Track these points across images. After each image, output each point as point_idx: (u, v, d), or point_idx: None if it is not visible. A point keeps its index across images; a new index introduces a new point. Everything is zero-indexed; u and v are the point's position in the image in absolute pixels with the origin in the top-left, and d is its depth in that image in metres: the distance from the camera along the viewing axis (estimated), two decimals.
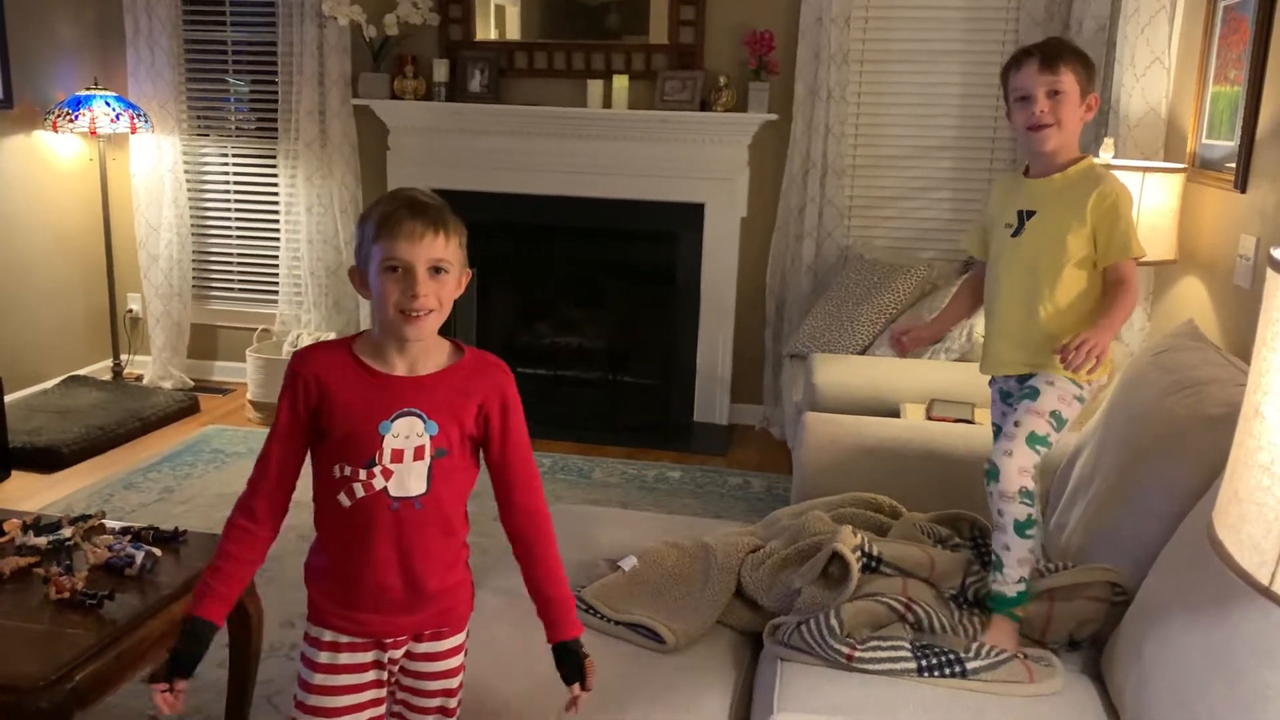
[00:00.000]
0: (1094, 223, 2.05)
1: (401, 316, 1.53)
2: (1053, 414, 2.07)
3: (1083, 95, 2.08)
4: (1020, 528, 2.02)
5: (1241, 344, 2.65)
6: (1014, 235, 2.14)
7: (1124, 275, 2.06)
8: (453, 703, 1.72)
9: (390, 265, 1.53)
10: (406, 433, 1.56)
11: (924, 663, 1.85)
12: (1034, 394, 2.09)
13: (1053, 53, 2.06)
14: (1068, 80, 2.05)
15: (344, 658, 1.64)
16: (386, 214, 1.54)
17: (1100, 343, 1.94)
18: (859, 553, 2.08)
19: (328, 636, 1.64)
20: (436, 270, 1.54)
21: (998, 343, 2.21)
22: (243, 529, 1.61)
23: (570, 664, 1.68)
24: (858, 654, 1.86)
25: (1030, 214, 2.12)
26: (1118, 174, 2.94)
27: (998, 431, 2.20)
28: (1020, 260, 2.14)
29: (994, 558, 2.05)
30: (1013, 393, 2.19)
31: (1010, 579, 2.02)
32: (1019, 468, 2.03)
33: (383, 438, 1.56)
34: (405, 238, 1.51)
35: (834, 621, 1.91)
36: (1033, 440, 2.05)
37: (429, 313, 1.54)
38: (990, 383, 2.31)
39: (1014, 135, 4.42)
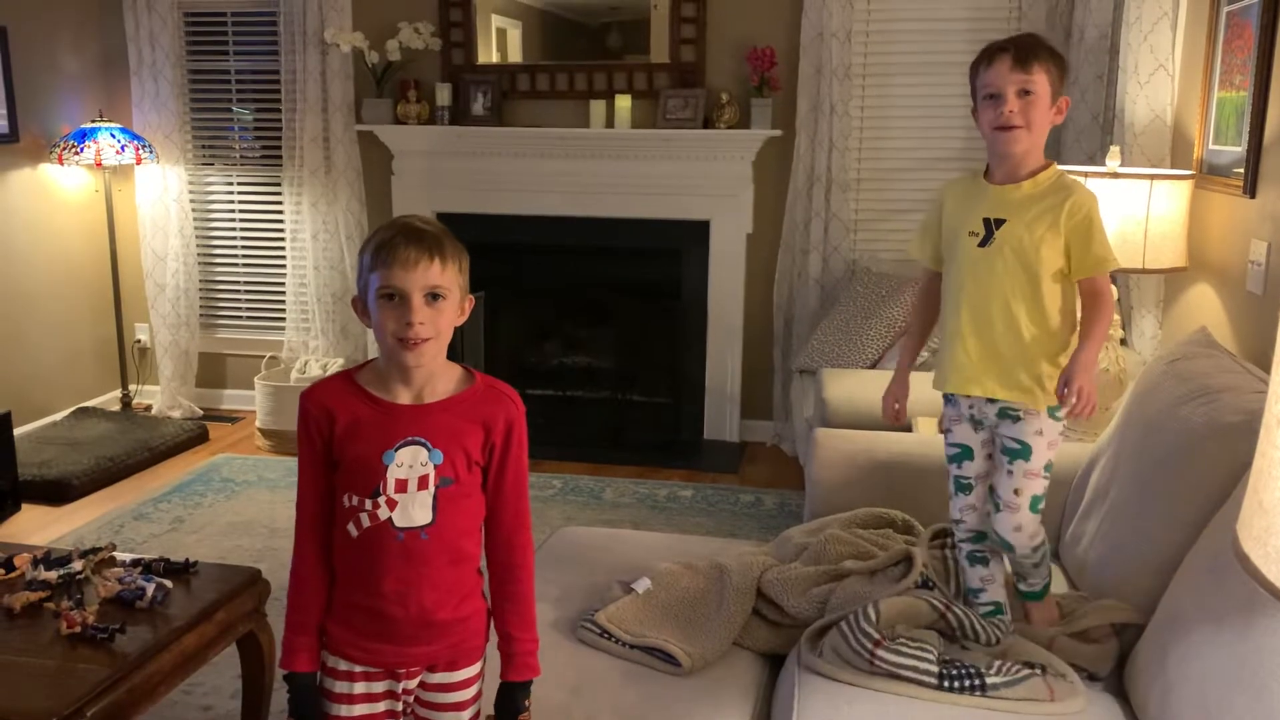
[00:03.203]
0: (1067, 234, 1.95)
1: (399, 344, 1.53)
2: (1046, 466, 2.04)
3: (1054, 97, 1.96)
4: (1036, 565, 2.10)
5: (1256, 350, 2.63)
6: (982, 245, 2.00)
7: (1099, 288, 1.99)
8: None
9: (386, 293, 1.52)
10: (410, 462, 1.55)
11: (945, 671, 1.83)
12: (1026, 453, 2.02)
13: (1026, 50, 1.94)
14: (1040, 80, 1.93)
15: (359, 687, 1.63)
16: (382, 242, 1.53)
17: (1089, 385, 1.92)
18: (923, 570, 2.18)
19: (343, 666, 1.63)
20: (433, 297, 1.53)
21: (965, 360, 2.04)
22: (299, 576, 1.65)
23: (508, 708, 1.67)
24: (884, 645, 1.85)
25: (999, 222, 1.98)
26: (1125, 183, 2.94)
27: (963, 454, 2.13)
28: (992, 272, 1.99)
29: (1016, 575, 2.15)
30: (985, 420, 2.08)
31: (1036, 584, 2.12)
32: (1029, 534, 2.05)
33: (386, 467, 1.55)
34: (400, 265, 1.51)
35: (871, 611, 1.92)
36: (1035, 504, 2.04)
37: (426, 340, 1.53)
38: (949, 401, 2.14)
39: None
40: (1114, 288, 2.13)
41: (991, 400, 2.03)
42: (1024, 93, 1.93)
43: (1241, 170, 2.79)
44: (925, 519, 2.43)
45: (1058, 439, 2.04)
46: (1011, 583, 2.19)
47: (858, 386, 3.41)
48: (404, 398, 1.59)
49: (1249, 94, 2.77)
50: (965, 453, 2.13)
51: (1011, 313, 1.98)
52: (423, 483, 1.56)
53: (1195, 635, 1.68)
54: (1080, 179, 2.40)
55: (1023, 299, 1.98)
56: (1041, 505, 2.05)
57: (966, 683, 1.82)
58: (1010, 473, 2.04)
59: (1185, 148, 3.31)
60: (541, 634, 2.00)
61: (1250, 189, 2.74)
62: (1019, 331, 1.98)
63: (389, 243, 1.52)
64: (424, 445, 1.56)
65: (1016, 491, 2.02)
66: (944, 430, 2.17)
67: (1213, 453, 1.94)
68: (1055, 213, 1.95)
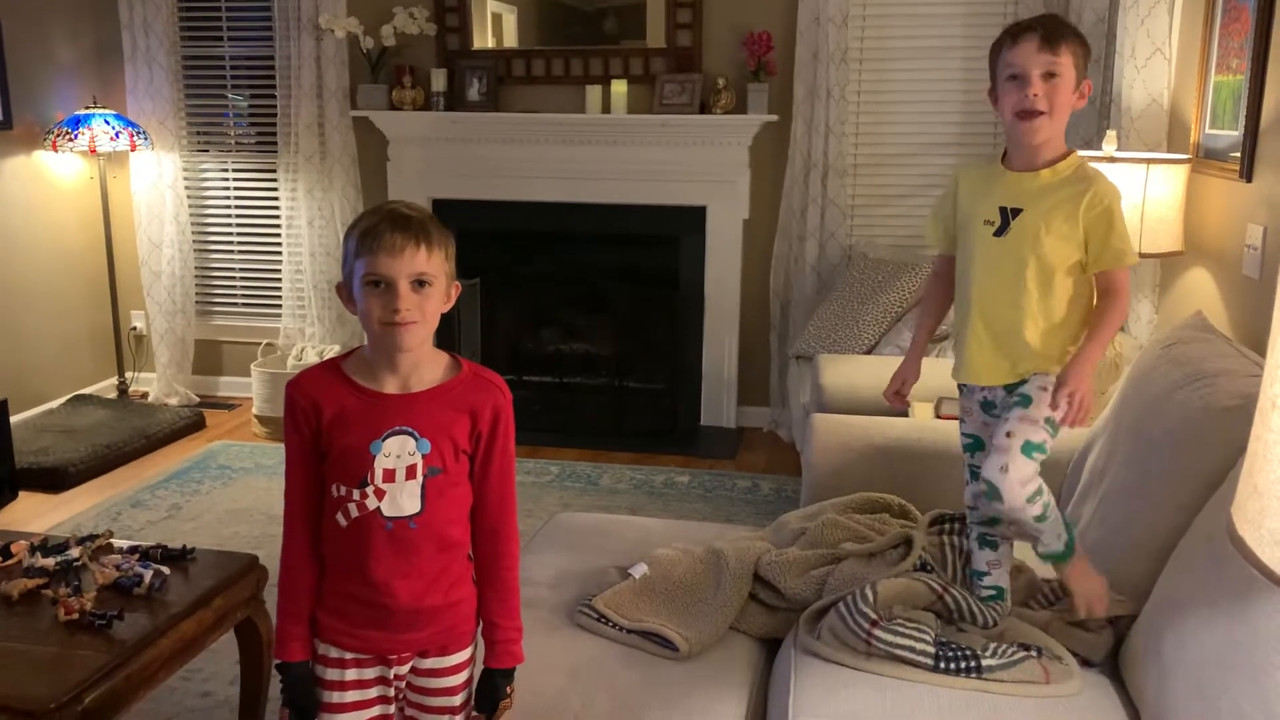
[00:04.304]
0: (1086, 227, 1.88)
1: (385, 328, 1.53)
2: (1048, 420, 1.91)
3: (1078, 81, 1.88)
4: (1040, 519, 1.93)
5: (1252, 335, 2.63)
6: (997, 234, 1.94)
7: (1116, 284, 1.91)
8: (458, 718, 1.70)
9: (372, 280, 1.52)
10: (398, 451, 1.55)
11: (941, 653, 1.83)
12: (1026, 401, 1.93)
13: (1054, 30, 1.85)
14: (1066, 63, 1.85)
15: (350, 674, 1.64)
16: (368, 229, 1.52)
17: (1086, 389, 1.84)
18: (921, 553, 2.16)
19: (334, 653, 1.64)
20: (420, 284, 1.53)
21: (978, 350, 2.00)
22: (289, 566, 1.64)
23: (489, 695, 1.67)
24: (881, 626, 1.86)
25: (1016, 211, 1.92)
26: (1121, 167, 2.94)
27: (975, 444, 2.09)
28: (1006, 262, 1.93)
29: (1034, 544, 2.01)
30: (997, 402, 2.02)
31: (1052, 545, 1.96)
32: (1019, 480, 1.88)
33: (374, 457, 1.55)
34: (386, 252, 1.50)
35: (869, 592, 1.92)
36: (1029, 449, 1.89)
37: (412, 324, 1.53)
38: (962, 389, 2.10)
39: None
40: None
41: (1004, 386, 2.00)
42: (1049, 75, 1.85)
43: (1238, 154, 2.78)
44: (921, 504, 2.44)
45: None
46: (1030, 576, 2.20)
47: (854, 372, 3.42)
48: (391, 386, 1.58)
49: (1246, 77, 2.76)
50: (977, 443, 2.09)
51: (1023, 304, 1.93)
52: (410, 472, 1.56)
53: (1191, 619, 1.68)
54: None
55: (1036, 290, 1.92)
56: (1037, 455, 1.90)
57: (962, 664, 1.83)
58: (1004, 418, 1.94)
59: (1182, 132, 3.31)
60: (539, 619, 2.01)
61: (1247, 173, 2.74)
62: (1030, 323, 1.93)
63: (374, 229, 1.51)
64: (411, 435, 1.56)
65: (1009, 434, 1.90)
66: (959, 419, 2.14)
67: (1208, 437, 1.95)
68: (1074, 204, 1.88)
